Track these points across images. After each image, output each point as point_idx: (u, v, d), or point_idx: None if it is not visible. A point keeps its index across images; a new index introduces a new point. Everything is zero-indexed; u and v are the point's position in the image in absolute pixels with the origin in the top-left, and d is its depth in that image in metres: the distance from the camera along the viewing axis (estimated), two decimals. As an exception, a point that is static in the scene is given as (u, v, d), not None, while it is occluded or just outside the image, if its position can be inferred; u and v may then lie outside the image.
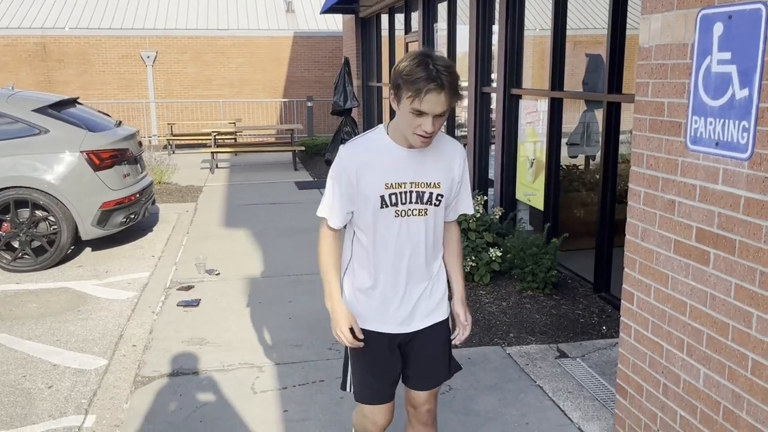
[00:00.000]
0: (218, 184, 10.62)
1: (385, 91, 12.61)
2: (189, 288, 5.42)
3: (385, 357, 2.31)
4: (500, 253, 5.30)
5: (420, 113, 1.97)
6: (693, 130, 2.35)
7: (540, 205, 6.07)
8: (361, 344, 2.26)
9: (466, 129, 8.24)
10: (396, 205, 2.16)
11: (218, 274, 5.78)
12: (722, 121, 2.21)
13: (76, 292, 5.43)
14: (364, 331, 2.28)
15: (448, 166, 2.22)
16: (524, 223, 6.52)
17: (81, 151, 6.14)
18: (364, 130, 13.65)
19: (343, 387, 2.47)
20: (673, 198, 2.47)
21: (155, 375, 3.86)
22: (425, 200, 2.18)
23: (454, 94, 1.97)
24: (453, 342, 2.39)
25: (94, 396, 3.65)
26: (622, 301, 2.84)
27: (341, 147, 2.20)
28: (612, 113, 4.87)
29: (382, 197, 2.14)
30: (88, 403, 3.58)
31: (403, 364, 2.37)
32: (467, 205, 2.36)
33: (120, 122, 7.23)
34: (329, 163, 11.27)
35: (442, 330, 2.37)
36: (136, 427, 3.30)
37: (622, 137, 4.92)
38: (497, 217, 5.93)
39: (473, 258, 5.26)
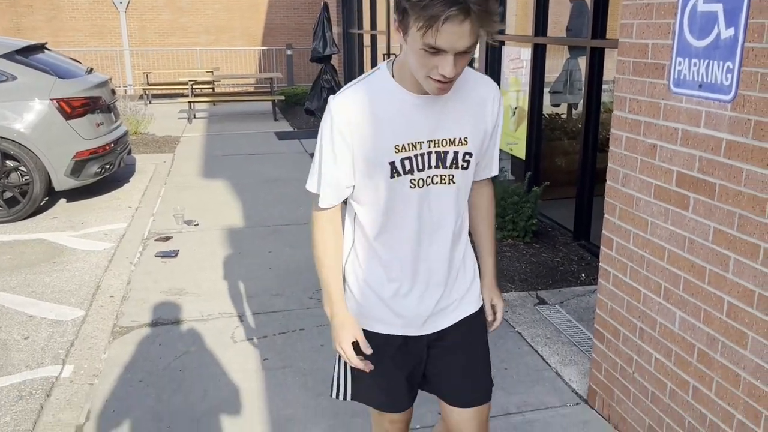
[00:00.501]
0: (196, 135, 10.42)
1: (367, 39, 12.29)
2: (167, 239, 5.35)
3: (397, 366, 1.81)
4: (481, 202, 5.27)
5: (436, 50, 1.39)
6: (676, 72, 2.30)
7: (522, 154, 6.04)
8: (366, 366, 1.76)
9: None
10: (411, 172, 1.61)
11: (197, 224, 5.71)
12: (706, 62, 2.16)
13: (52, 243, 5.34)
14: (371, 334, 1.77)
15: (480, 113, 1.67)
16: (505, 172, 6.49)
17: (51, 99, 5.95)
18: (344, 78, 13.41)
19: (335, 394, 1.87)
20: (654, 142, 2.44)
21: (134, 325, 3.83)
22: (449, 163, 1.64)
23: (484, 21, 1.35)
24: None
25: (71, 346, 3.63)
26: (601, 247, 2.83)
27: (331, 97, 1.64)
28: (595, 59, 4.79)
29: (392, 164, 1.59)
30: (66, 354, 3.55)
31: (435, 375, 1.84)
32: (496, 163, 1.87)
33: (91, 69, 6.99)
34: (309, 112, 11.03)
35: (478, 323, 1.87)
36: (114, 376, 3.28)
37: (604, 87, 4.86)
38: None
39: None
